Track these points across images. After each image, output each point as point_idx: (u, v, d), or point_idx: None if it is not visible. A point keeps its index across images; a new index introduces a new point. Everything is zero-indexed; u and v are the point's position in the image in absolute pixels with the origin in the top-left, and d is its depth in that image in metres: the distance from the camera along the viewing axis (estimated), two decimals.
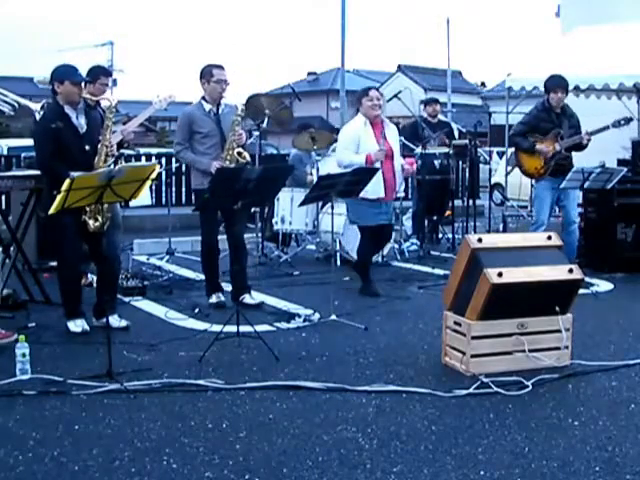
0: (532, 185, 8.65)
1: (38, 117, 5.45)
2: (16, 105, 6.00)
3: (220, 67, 6.21)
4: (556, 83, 7.45)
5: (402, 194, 7.17)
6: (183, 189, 13.37)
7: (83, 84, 5.39)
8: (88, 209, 5.14)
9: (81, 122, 5.36)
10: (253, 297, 6.36)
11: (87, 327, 5.43)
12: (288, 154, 10.07)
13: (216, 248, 6.33)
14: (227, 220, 6.29)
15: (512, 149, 8.55)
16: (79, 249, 5.47)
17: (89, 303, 5.61)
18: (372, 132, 6.75)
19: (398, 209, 9.51)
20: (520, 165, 7.73)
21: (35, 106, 5.61)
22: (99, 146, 5.33)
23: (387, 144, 6.76)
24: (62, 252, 5.47)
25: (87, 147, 5.33)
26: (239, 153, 6.10)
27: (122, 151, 6.32)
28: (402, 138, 9.08)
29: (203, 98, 6.24)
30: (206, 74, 6.19)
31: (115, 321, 5.50)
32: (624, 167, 8.13)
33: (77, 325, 5.41)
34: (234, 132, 6.09)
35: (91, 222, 5.23)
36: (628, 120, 7.59)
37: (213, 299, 6.33)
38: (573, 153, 7.67)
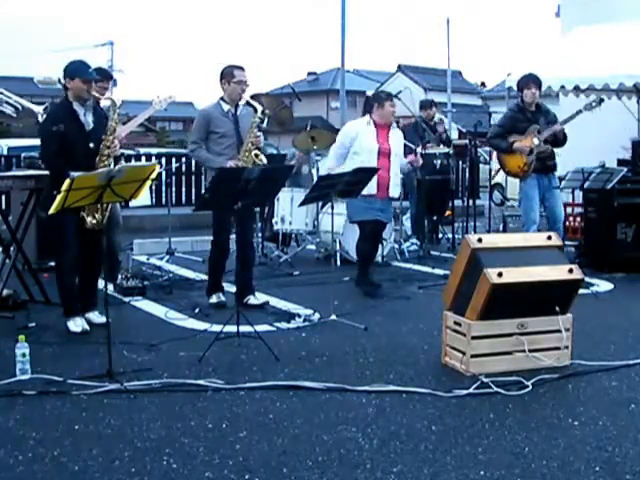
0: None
1: (41, 119, 5.48)
2: (19, 107, 6.02)
3: (241, 68, 6.18)
4: (528, 78, 7.46)
5: (396, 195, 7.20)
6: (183, 189, 13.40)
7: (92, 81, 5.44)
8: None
9: (88, 120, 5.42)
10: (257, 297, 6.36)
11: (87, 327, 5.45)
12: (286, 154, 10.07)
13: (227, 249, 6.27)
14: (237, 220, 6.17)
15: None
16: (78, 249, 5.49)
17: None
18: (374, 132, 6.93)
19: (398, 209, 9.52)
20: (504, 167, 7.72)
21: (38, 109, 5.64)
22: (101, 145, 5.37)
23: (387, 145, 6.95)
24: (61, 250, 5.50)
25: (92, 145, 5.38)
26: (256, 155, 6.09)
27: (122, 151, 6.33)
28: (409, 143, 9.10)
29: (222, 98, 6.19)
30: (227, 75, 6.14)
31: (95, 317, 5.59)
32: (624, 167, 8.13)
33: (77, 325, 5.44)
34: (252, 134, 6.07)
35: (89, 219, 5.28)
36: (599, 101, 7.49)
37: (213, 299, 6.30)
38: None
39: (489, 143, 8.02)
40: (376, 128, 6.96)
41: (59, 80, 5.45)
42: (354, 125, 7.17)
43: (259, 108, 6.11)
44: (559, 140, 7.48)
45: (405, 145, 9.03)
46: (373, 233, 7.07)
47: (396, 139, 7.10)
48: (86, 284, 5.64)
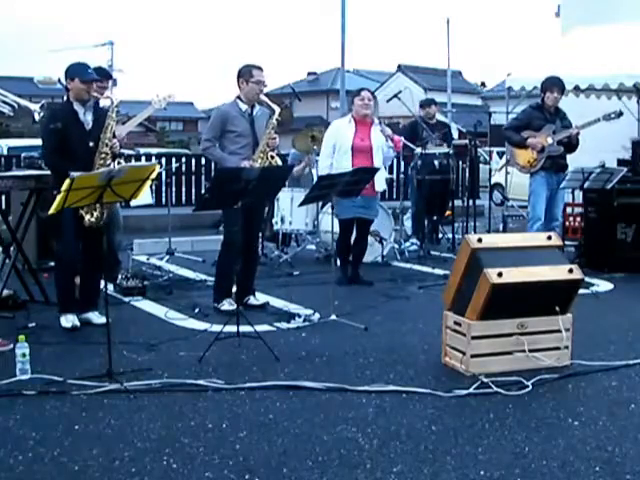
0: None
1: (37, 117, 5.52)
2: (15, 106, 6.02)
3: (259, 68, 6.11)
4: (553, 82, 7.64)
5: (381, 189, 7.23)
6: (183, 189, 13.39)
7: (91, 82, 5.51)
8: None
9: (87, 119, 5.50)
10: (257, 298, 6.35)
11: (77, 323, 5.49)
12: (287, 154, 10.08)
13: (239, 244, 5.95)
14: (246, 220, 5.87)
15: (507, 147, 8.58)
16: (76, 246, 5.53)
17: None
18: (353, 129, 7.08)
19: (398, 209, 9.52)
20: (515, 161, 7.84)
21: (34, 106, 5.65)
22: (99, 144, 5.42)
23: (368, 142, 7.08)
24: (59, 248, 5.57)
25: (91, 143, 5.44)
26: (271, 157, 6.06)
27: (122, 151, 6.32)
28: (402, 138, 9.11)
29: (238, 97, 6.11)
30: (245, 74, 6.07)
31: (95, 317, 5.61)
32: (624, 167, 8.13)
33: (68, 320, 5.48)
34: (269, 135, 6.02)
35: (87, 217, 5.33)
36: (619, 114, 7.67)
37: (225, 306, 6.03)
38: (573, 154, 7.70)
39: (503, 134, 8.19)
40: (356, 125, 7.09)
41: (59, 80, 5.51)
42: (336, 124, 7.38)
43: (277, 110, 6.07)
44: (572, 144, 7.61)
45: (405, 145, 9.08)
46: (351, 230, 7.25)
47: (378, 135, 7.13)
48: (87, 284, 5.66)
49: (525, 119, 7.77)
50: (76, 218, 5.30)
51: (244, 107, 6.10)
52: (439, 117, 10.44)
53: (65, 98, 5.55)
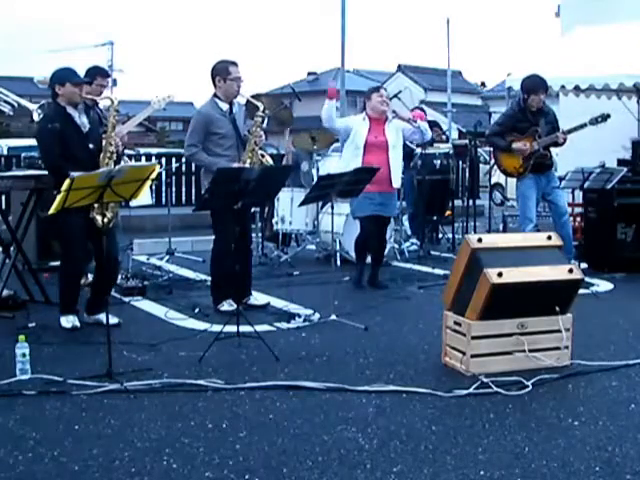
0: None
1: (36, 117, 5.51)
2: (16, 105, 6.03)
3: (235, 64, 5.98)
4: (537, 84, 7.38)
5: (398, 185, 7.10)
6: (183, 189, 13.38)
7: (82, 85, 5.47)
8: (95, 205, 5.15)
9: (84, 121, 5.48)
10: (257, 298, 6.33)
11: (78, 323, 5.49)
12: (282, 154, 10.11)
13: (232, 252, 5.85)
14: (237, 218, 5.77)
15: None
16: (84, 247, 5.51)
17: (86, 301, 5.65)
18: (367, 127, 6.97)
19: (398, 209, 9.52)
20: (499, 165, 7.78)
21: (33, 106, 5.65)
22: (104, 143, 5.40)
23: (383, 137, 6.96)
24: (67, 249, 5.51)
25: (91, 146, 5.42)
26: (262, 155, 6.00)
27: (126, 151, 6.32)
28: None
29: (216, 96, 5.99)
30: (222, 71, 5.92)
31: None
32: (624, 167, 8.13)
33: (68, 321, 5.48)
34: (256, 133, 5.91)
35: (99, 218, 5.26)
36: (605, 117, 7.52)
37: (225, 307, 6.02)
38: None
39: (487, 140, 8.06)
40: (370, 123, 7.00)
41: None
42: (353, 119, 7.28)
43: (260, 106, 5.97)
44: (559, 143, 7.51)
45: (404, 144, 9.07)
46: (371, 229, 7.01)
47: (393, 131, 7.04)
48: (99, 287, 5.61)
49: (508, 123, 7.58)
50: (85, 220, 5.26)
51: (224, 106, 5.99)
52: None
53: (54, 103, 5.47)
